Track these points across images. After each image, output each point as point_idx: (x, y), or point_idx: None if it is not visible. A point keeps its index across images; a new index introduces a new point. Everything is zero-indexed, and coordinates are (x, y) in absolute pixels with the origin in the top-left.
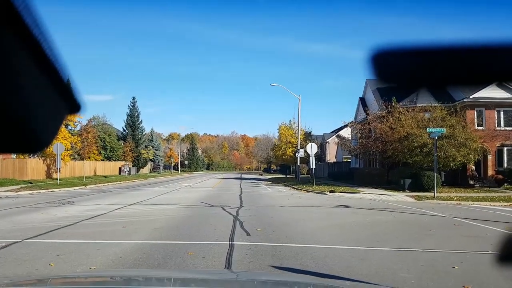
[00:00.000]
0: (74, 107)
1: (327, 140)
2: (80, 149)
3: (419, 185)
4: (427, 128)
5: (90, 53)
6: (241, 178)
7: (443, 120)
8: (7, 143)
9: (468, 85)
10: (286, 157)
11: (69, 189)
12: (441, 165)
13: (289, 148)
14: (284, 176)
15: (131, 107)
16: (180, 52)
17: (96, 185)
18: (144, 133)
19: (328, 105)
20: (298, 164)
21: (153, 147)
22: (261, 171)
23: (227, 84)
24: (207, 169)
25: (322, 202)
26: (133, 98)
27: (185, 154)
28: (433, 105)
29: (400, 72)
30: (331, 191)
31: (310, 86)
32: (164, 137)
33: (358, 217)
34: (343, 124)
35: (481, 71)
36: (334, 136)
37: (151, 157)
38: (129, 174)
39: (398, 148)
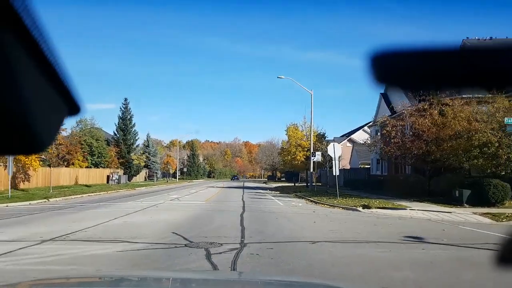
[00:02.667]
0: (74, 108)
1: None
2: (58, 153)
3: (483, 197)
4: (505, 119)
5: (92, 62)
6: (243, 187)
7: (511, 111)
8: (6, 144)
9: (468, 86)
10: (297, 162)
11: (21, 204)
12: (510, 171)
13: (300, 152)
14: (293, 184)
15: (123, 109)
16: (183, 61)
17: (65, 197)
18: (137, 138)
19: (335, 110)
20: (311, 170)
21: (149, 154)
22: (265, 179)
23: (230, 91)
24: (209, 176)
25: (370, 228)
26: (125, 100)
27: (185, 161)
28: (491, 95)
29: (400, 73)
30: (364, 207)
31: (315, 91)
32: (165, 144)
33: (476, 276)
34: (372, 120)
35: (482, 72)
36: (345, 141)
37: (143, 164)
38: (118, 182)
39: (446, 149)
